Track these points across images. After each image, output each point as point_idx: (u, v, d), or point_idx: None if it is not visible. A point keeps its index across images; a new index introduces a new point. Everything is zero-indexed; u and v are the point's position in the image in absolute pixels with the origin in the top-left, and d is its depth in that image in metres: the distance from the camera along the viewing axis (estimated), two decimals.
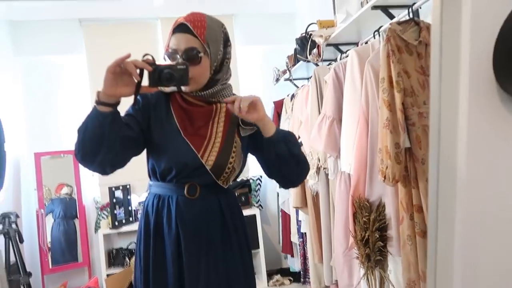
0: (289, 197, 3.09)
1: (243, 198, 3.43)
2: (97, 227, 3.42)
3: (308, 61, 2.61)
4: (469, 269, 0.60)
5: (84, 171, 3.33)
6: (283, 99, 3.32)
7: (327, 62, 2.56)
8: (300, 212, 2.86)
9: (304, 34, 2.63)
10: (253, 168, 3.53)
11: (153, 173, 1.25)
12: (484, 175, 0.59)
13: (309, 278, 2.86)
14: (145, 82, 1.06)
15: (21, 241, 2.41)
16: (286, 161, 1.20)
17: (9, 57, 3.38)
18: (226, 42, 1.23)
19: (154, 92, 1.19)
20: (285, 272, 3.57)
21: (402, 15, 1.74)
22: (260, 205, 3.65)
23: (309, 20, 2.71)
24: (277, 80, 3.46)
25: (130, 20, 3.59)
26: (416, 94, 1.57)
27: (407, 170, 1.58)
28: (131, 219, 3.38)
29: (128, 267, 3.18)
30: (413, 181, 1.57)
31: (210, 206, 1.23)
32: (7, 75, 3.32)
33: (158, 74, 1.06)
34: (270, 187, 3.78)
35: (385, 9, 1.83)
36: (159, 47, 3.59)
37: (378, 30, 1.88)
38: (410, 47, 1.60)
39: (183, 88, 1.16)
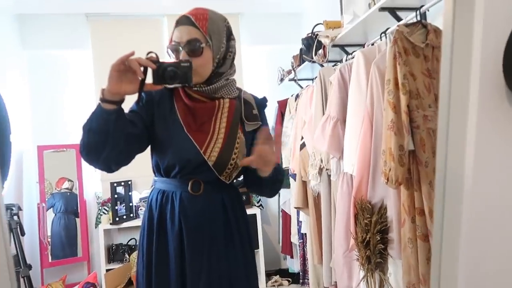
0: (290, 197, 3.09)
1: (244, 198, 3.43)
2: (97, 222, 3.42)
3: (314, 62, 2.61)
4: (474, 273, 0.60)
5: (86, 166, 3.34)
6: (287, 99, 3.31)
7: (332, 63, 2.55)
8: (301, 212, 2.85)
9: (310, 35, 2.63)
10: None
11: (157, 169, 1.26)
12: (492, 178, 0.59)
13: (308, 279, 2.85)
14: (149, 79, 1.07)
15: (23, 233, 2.42)
16: (268, 185, 1.27)
17: (17, 50, 3.40)
18: (229, 36, 1.24)
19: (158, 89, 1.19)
20: (284, 273, 3.57)
21: (409, 17, 1.74)
22: (261, 205, 3.65)
23: (315, 21, 2.71)
24: (282, 80, 3.46)
25: (136, 16, 3.60)
26: (422, 97, 1.56)
27: (410, 172, 1.57)
28: (131, 215, 3.38)
29: (127, 263, 3.19)
30: (416, 184, 1.56)
31: (213, 203, 1.23)
32: (15, 68, 3.33)
33: (162, 72, 1.06)
34: None
35: (393, 11, 1.82)
36: (165, 44, 3.56)
37: (385, 32, 1.87)
38: (417, 49, 1.59)
39: None
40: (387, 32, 1.86)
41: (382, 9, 1.82)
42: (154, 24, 3.64)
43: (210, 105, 1.23)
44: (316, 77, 2.53)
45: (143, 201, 3.48)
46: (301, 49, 2.84)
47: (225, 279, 1.21)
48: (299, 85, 3.26)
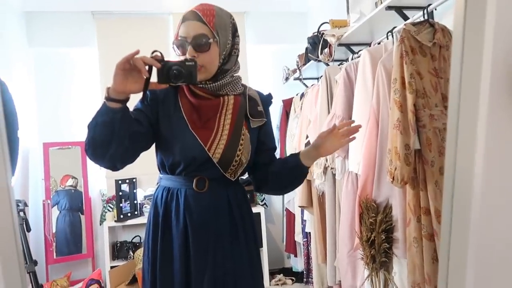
0: (295, 196, 3.09)
1: (248, 196, 3.43)
2: (102, 220, 3.44)
3: (319, 61, 2.60)
4: (483, 274, 0.59)
5: (91, 163, 3.36)
6: (292, 98, 3.31)
7: (338, 62, 2.55)
8: (305, 211, 2.85)
9: (316, 33, 2.62)
10: None
11: (162, 167, 1.26)
12: (502, 177, 0.59)
13: (311, 278, 2.85)
14: (154, 78, 1.07)
15: (28, 229, 2.43)
16: (300, 179, 1.34)
17: (23, 47, 3.41)
18: (235, 33, 1.25)
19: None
20: (288, 271, 3.57)
21: (416, 16, 1.73)
22: (265, 203, 3.65)
23: (321, 20, 2.71)
24: (287, 79, 3.45)
25: (142, 15, 3.61)
26: (428, 96, 1.55)
27: (415, 172, 1.57)
28: (136, 212, 3.39)
29: (131, 260, 3.20)
30: (422, 183, 1.56)
31: (219, 200, 1.23)
32: (21, 65, 3.35)
33: (167, 71, 1.06)
34: None
35: (400, 10, 1.82)
36: (170, 43, 3.59)
37: (391, 31, 1.87)
38: (424, 48, 1.59)
39: None
40: (393, 31, 1.86)
41: (389, 7, 1.81)
42: (160, 22, 3.64)
43: (215, 102, 1.23)
44: (321, 76, 2.53)
45: (148, 199, 3.49)
46: (306, 48, 2.83)
47: (230, 276, 1.22)
48: (304, 84, 3.25)
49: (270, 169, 1.32)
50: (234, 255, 1.23)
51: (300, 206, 2.80)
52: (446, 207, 0.63)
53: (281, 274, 3.52)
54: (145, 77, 1.04)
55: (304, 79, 3.24)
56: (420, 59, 1.58)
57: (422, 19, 1.68)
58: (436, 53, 1.61)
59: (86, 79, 3.58)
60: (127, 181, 3.34)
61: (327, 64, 2.60)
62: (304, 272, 3.05)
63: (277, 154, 1.44)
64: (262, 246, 3.37)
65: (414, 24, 1.62)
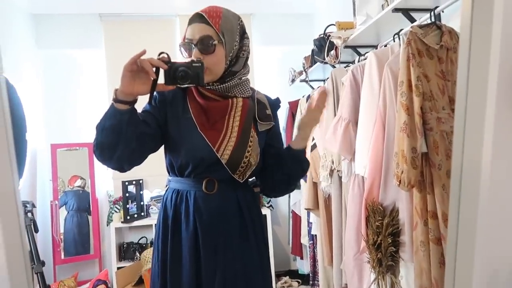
0: (301, 198, 3.08)
1: (257, 198, 3.43)
2: (109, 220, 3.46)
3: (325, 63, 2.60)
4: (490, 278, 0.59)
5: (98, 164, 3.39)
6: (298, 100, 3.31)
7: (344, 64, 2.54)
8: (311, 214, 2.85)
9: (322, 35, 2.62)
10: None
11: (171, 169, 1.26)
12: (509, 180, 0.58)
13: (318, 281, 2.84)
14: (161, 80, 1.08)
15: (36, 230, 2.45)
16: (299, 164, 1.30)
17: (31, 49, 3.45)
18: (243, 34, 1.24)
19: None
20: (294, 274, 3.56)
21: (423, 18, 1.73)
22: (271, 205, 3.64)
23: (327, 22, 2.70)
24: (293, 81, 3.45)
25: (149, 17, 3.63)
26: (435, 99, 1.54)
27: (422, 175, 1.56)
28: (142, 214, 3.40)
29: (138, 261, 3.21)
30: (429, 187, 1.55)
31: (228, 201, 1.23)
32: (29, 66, 3.38)
33: (173, 72, 1.07)
34: None
35: (406, 12, 1.81)
36: (177, 45, 3.61)
37: (398, 33, 1.86)
38: (431, 51, 1.58)
39: None
40: (400, 33, 1.85)
41: (396, 10, 1.80)
42: (167, 24, 3.66)
43: (223, 104, 1.23)
44: (327, 78, 2.52)
45: (154, 200, 3.50)
46: (312, 50, 2.83)
47: (240, 277, 1.21)
48: (310, 86, 3.25)
49: (270, 164, 1.32)
50: (244, 256, 1.23)
51: (306, 209, 2.80)
52: (453, 210, 0.62)
53: (287, 277, 3.51)
54: (152, 79, 1.05)
55: (311, 81, 3.23)
56: (427, 61, 1.57)
57: (429, 21, 1.67)
58: (443, 55, 1.59)
59: (94, 81, 3.60)
60: (134, 182, 3.35)
61: (334, 66, 2.59)
62: (310, 275, 3.04)
63: None
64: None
65: (421, 26, 1.62)
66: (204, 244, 1.19)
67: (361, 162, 1.91)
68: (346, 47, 2.35)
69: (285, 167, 1.28)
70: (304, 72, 3.14)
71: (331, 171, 2.35)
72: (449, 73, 1.59)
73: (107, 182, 3.57)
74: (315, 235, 2.81)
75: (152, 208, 3.42)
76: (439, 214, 1.50)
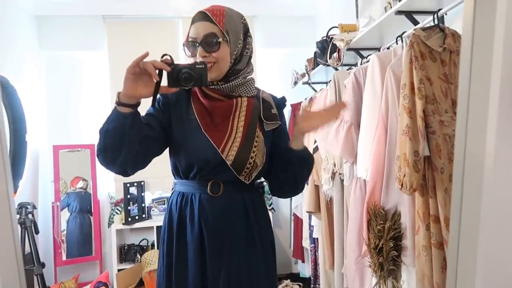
0: (302, 201, 3.07)
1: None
2: (110, 222, 3.45)
3: (328, 65, 2.59)
4: (492, 282, 0.58)
5: (100, 166, 3.39)
6: (300, 102, 3.30)
7: (347, 67, 2.53)
8: (312, 217, 2.83)
9: (324, 38, 2.61)
10: None
11: (176, 171, 1.25)
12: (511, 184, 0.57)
13: (319, 285, 2.82)
14: (164, 82, 1.07)
15: (37, 232, 2.45)
16: (304, 163, 1.26)
17: (34, 50, 3.46)
18: (246, 33, 1.24)
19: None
20: (295, 277, 3.54)
21: (426, 21, 1.71)
22: (273, 208, 3.63)
23: (330, 24, 2.69)
24: (295, 83, 3.44)
25: (152, 19, 3.64)
26: (438, 102, 1.53)
27: (425, 179, 1.54)
28: (144, 215, 3.40)
29: (138, 264, 3.20)
30: (431, 191, 1.53)
31: (234, 204, 1.21)
32: (32, 68, 3.39)
33: (176, 74, 1.06)
34: None
35: (409, 15, 1.80)
36: (180, 46, 3.61)
37: (401, 36, 1.85)
38: (434, 53, 1.57)
39: None
40: (403, 36, 1.84)
41: (399, 12, 1.79)
42: (170, 26, 3.67)
43: (228, 104, 1.21)
44: (330, 80, 2.51)
45: (156, 202, 3.50)
46: (315, 52, 2.82)
47: (244, 280, 1.19)
48: (313, 88, 3.24)
49: (275, 164, 1.29)
50: (249, 259, 1.21)
51: (307, 212, 2.78)
52: (455, 214, 0.61)
53: (288, 280, 3.50)
54: (155, 81, 1.04)
55: (313, 83, 3.22)
56: (430, 64, 1.56)
57: (432, 24, 1.66)
58: (447, 58, 1.58)
59: (96, 82, 3.61)
60: (135, 184, 3.35)
61: (336, 69, 2.58)
62: (312, 278, 3.02)
63: None
64: None
65: (424, 29, 1.60)
66: (210, 247, 1.17)
67: (363, 165, 1.90)
68: (348, 49, 2.35)
69: (290, 167, 1.25)
70: (306, 75, 3.13)
71: (333, 174, 2.34)
72: (452, 76, 1.58)
73: (108, 183, 3.57)
74: (317, 238, 2.80)
75: (153, 210, 3.42)
76: (441, 218, 1.48)
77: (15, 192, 2.44)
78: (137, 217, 3.34)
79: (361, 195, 1.98)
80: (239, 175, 1.19)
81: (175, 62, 1.07)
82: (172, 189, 1.31)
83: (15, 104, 2.46)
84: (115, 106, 1.05)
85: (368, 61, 2.06)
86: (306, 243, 3.09)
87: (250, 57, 1.26)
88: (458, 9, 1.62)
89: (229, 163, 1.16)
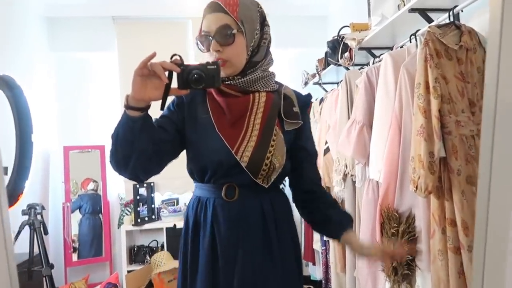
0: None
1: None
2: (120, 223, 3.45)
3: (339, 65, 2.55)
4: None
5: (110, 167, 3.39)
6: (311, 103, 3.26)
7: (359, 67, 2.49)
8: None
9: (336, 37, 2.57)
10: None
11: (191, 174, 1.17)
12: None
13: None
14: (174, 84, 1.01)
15: (46, 232, 2.45)
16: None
17: (44, 52, 3.48)
18: (263, 22, 1.16)
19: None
20: (306, 280, 3.49)
21: (441, 18, 1.67)
22: None
23: (341, 23, 2.65)
24: (306, 83, 3.41)
25: (162, 19, 3.64)
26: (454, 101, 1.48)
27: (440, 181, 1.49)
28: (153, 217, 3.39)
29: (148, 265, 3.19)
30: (447, 193, 1.48)
31: (249, 209, 1.11)
32: (42, 69, 3.41)
33: (187, 75, 0.99)
34: None
35: (423, 12, 1.75)
36: (190, 47, 3.61)
37: (415, 34, 1.80)
38: (449, 51, 1.52)
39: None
40: (417, 34, 1.79)
41: (412, 10, 1.74)
42: (180, 27, 3.66)
43: (244, 100, 1.12)
44: (341, 80, 2.47)
45: (165, 203, 3.49)
46: (326, 52, 2.78)
47: None
48: (323, 88, 3.20)
49: (314, 205, 1.26)
50: (265, 272, 1.11)
51: None
52: (481, 217, 0.58)
53: None
54: (165, 83, 0.97)
55: (324, 83, 3.18)
56: (446, 62, 1.51)
57: (447, 21, 1.61)
58: (463, 56, 1.53)
59: (106, 84, 3.62)
60: (145, 185, 3.35)
61: (347, 69, 2.54)
62: (323, 281, 2.98)
63: None
64: None
65: (439, 26, 1.56)
66: (222, 255, 1.09)
67: (375, 167, 1.86)
68: (360, 48, 2.30)
69: (319, 227, 1.30)
70: (317, 75, 3.09)
71: (345, 175, 2.30)
72: (468, 75, 1.53)
73: (118, 184, 3.57)
74: (328, 240, 2.76)
75: (163, 211, 3.41)
76: (458, 221, 1.43)
77: (21, 192, 2.44)
78: (146, 218, 3.34)
79: (373, 197, 1.93)
80: (256, 177, 1.09)
81: (185, 63, 1.02)
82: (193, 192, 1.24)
83: (21, 104, 2.46)
84: (124, 110, 1.00)
85: (380, 61, 2.02)
86: (317, 245, 3.05)
87: (269, 47, 1.17)
88: (474, 6, 1.57)
89: (243, 165, 1.07)
